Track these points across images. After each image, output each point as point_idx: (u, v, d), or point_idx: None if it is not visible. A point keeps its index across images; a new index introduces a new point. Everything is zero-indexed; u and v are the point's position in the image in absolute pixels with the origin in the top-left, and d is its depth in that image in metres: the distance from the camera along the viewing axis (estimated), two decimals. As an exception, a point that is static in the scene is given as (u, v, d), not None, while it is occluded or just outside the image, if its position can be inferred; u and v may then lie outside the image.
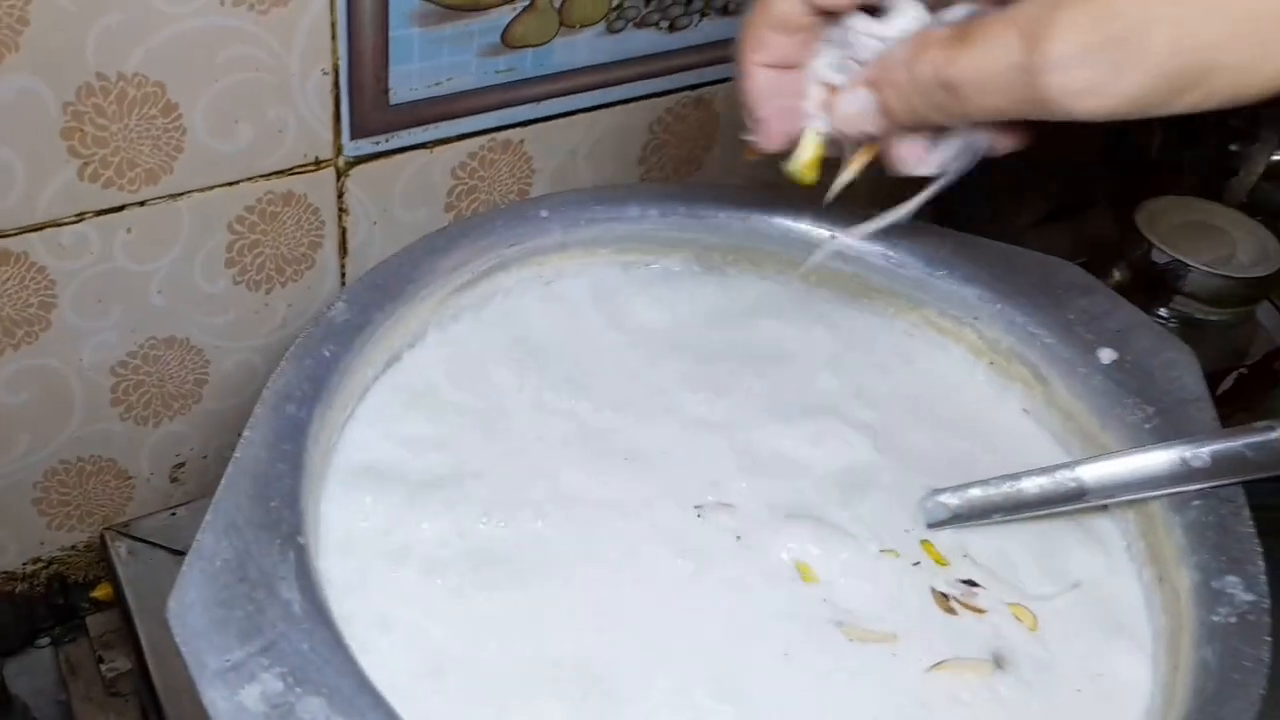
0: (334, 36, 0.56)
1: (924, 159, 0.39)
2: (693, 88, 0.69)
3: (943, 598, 0.47)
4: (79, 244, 0.56)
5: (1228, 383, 0.89)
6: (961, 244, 0.56)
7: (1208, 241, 0.87)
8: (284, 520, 0.41)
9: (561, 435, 0.50)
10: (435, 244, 0.52)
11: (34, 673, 0.71)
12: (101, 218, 0.56)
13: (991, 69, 0.33)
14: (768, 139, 0.43)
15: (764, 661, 0.44)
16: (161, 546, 0.67)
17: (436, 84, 0.61)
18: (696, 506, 0.48)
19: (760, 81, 0.42)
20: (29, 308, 0.57)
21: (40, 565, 0.68)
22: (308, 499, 0.43)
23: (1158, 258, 0.85)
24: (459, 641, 0.42)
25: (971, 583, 0.48)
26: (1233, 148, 0.98)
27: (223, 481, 0.41)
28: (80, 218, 0.55)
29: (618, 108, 0.68)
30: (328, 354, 0.46)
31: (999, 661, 0.45)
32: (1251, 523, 0.45)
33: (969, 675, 0.45)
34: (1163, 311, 0.87)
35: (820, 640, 0.45)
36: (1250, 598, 0.43)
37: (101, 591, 0.69)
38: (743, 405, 0.53)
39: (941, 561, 0.49)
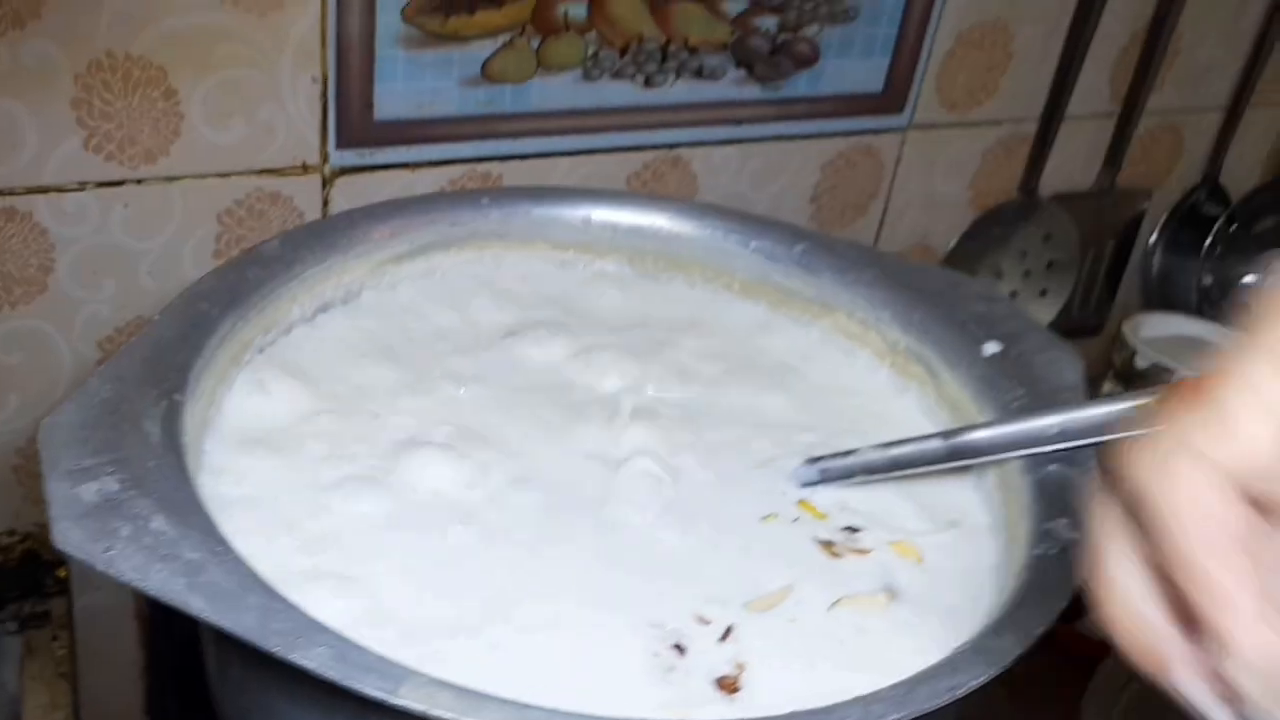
0: (324, 45, 0.63)
1: None
2: (670, 146, 0.75)
3: (827, 545, 0.49)
4: (79, 212, 0.63)
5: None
6: (871, 256, 0.59)
7: (1195, 352, 0.88)
8: (167, 379, 0.45)
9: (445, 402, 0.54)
10: (376, 212, 0.57)
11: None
12: (102, 189, 0.63)
13: None
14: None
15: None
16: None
17: (419, 105, 0.67)
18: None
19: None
20: (29, 268, 0.63)
21: (15, 539, 0.73)
22: (202, 377, 0.47)
23: (1139, 363, 0.86)
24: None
25: (853, 528, 0.50)
26: (1247, 280, 0.99)
27: (123, 348, 0.46)
28: (82, 186, 0.62)
29: (597, 156, 0.74)
30: (250, 276, 0.51)
31: (891, 594, 0.47)
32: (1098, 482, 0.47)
33: (867, 608, 0.46)
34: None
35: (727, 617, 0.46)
36: (1074, 535, 0.44)
37: (64, 572, 0.73)
38: (653, 395, 0.56)
39: (820, 515, 0.51)
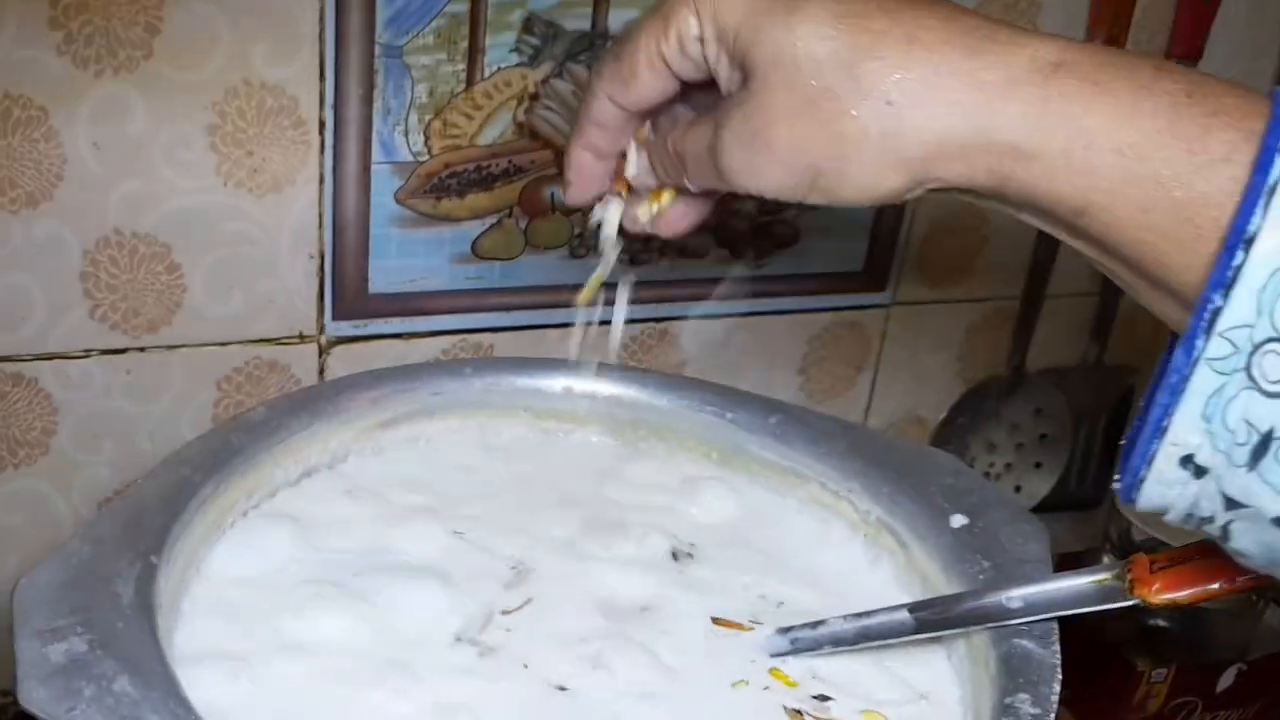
0: (320, 226, 0.66)
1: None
2: (657, 320, 0.77)
3: (796, 714, 0.49)
4: (83, 378, 0.65)
5: (1228, 678, 0.87)
6: (844, 428, 0.61)
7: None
8: (144, 541, 0.46)
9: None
10: (361, 380, 0.59)
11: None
12: (105, 357, 0.65)
13: (696, 147, 0.45)
14: (572, 197, 0.53)
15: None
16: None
17: (412, 281, 0.70)
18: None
19: (580, 159, 0.51)
20: (32, 431, 0.66)
21: (9, 700, 0.73)
22: (181, 540, 0.48)
23: (1136, 536, 0.86)
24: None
25: (823, 697, 0.50)
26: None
27: (104, 510, 0.48)
28: (87, 354, 0.65)
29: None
30: (234, 441, 0.53)
31: None
32: (1058, 655, 0.47)
33: None
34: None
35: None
36: (1035, 711, 0.44)
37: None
38: (629, 564, 0.57)
39: (791, 684, 0.51)
